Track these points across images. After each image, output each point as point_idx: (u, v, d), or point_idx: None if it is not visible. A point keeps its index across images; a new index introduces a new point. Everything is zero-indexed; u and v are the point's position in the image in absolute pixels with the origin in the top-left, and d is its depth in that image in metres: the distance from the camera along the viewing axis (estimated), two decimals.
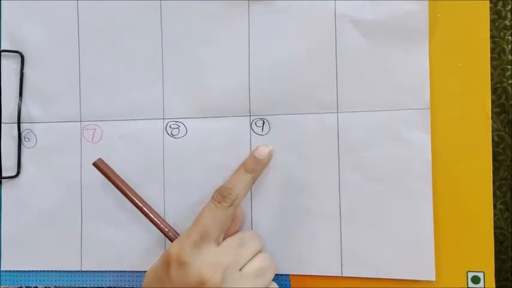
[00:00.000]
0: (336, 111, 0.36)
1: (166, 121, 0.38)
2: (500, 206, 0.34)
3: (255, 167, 0.35)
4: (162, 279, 0.32)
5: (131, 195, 0.36)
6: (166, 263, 0.32)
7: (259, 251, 0.34)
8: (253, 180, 0.35)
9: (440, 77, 0.34)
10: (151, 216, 0.36)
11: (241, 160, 0.36)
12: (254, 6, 0.37)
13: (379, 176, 0.35)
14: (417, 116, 0.34)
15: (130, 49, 0.39)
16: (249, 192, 0.37)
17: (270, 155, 0.36)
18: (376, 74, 0.35)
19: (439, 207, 0.34)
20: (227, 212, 0.33)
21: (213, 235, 0.32)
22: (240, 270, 0.32)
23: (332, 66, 0.36)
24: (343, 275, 0.36)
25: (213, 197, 0.34)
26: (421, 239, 0.34)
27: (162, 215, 0.38)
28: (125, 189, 0.36)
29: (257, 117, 0.37)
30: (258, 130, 0.37)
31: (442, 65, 0.34)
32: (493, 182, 0.34)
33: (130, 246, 0.38)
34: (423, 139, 0.34)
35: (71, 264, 0.39)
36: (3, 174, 0.40)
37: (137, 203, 0.36)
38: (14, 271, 0.40)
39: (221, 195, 0.33)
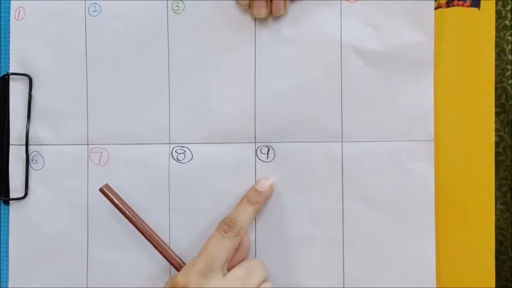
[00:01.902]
0: (340, 140, 0.36)
1: (172, 146, 0.39)
2: (500, 206, 0.35)
3: (257, 199, 0.36)
4: None
5: (137, 222, 0.37)
6: None
7: (264, 280, 0.35)
8: (257, 212, 0.36)
9: (444, 108, 0.35)
10: (157, 243, 0.36)
11: (246, 186, 0.37)
12: (261, 35, 0.37)
13: (382, 205, 0.35)
14: (421, 148, 0.35)
15: (137, 74, 0.39)
16: (253, 221, 0.37)
17: (272, 188, 0.37)
18: (380, 104, 0.36)
19: (441, 238, 0.34)
20: (233, 241, 0.34)
21: (218, 264, 0.33)
22: None
23: (337, 96, 0.36)
24: None
25: (218, 227, 0.34)
26: (423, 270, 0.35)
27: (167, 239, 0.38)
28: (131, 216, 0.37)
29: (262, 144, 0.37)
30: (263, 157, 0.37)
31: (447, 97, 0.35)
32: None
33: (135, 269, 0.39)
34: (427, 170, 0.35)
35: (77, 284, 0.40)
36: (11, 196, 0.40)
37: (143, 230, 0.37)
38: None
39: (227, 225, 0.34)
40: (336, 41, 0.36)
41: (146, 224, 0.37)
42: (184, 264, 0.35)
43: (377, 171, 0.36)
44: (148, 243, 0.37)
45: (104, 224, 0.39)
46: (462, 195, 0.34)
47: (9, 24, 0.40)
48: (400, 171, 0.35)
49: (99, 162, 0.40)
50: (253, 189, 0.36)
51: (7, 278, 0.40)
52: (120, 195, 0.39)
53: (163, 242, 0.37)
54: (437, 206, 0.34)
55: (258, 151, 0.37)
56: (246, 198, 0.36)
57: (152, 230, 0.37)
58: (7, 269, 0.40)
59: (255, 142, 0.38)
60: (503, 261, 0.35)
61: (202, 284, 0.32)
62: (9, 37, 0.40)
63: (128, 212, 0.37)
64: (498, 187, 0.34)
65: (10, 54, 0.41)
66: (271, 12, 0.36)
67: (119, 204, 0.37)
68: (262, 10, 0.36)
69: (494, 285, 0.34)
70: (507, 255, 0.35)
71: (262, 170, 0.37)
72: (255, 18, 0.37)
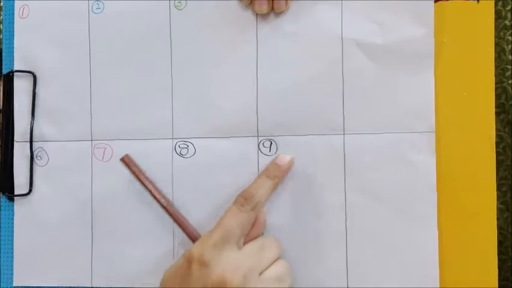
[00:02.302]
0: (342, 133, 0.37)
1: (175, 141, 0.39)
2: (500, 206, 0.35)
3: (276, 174, 0.36)
4: (183, 276, 0.33)
5: (156, 193, 0.37)
6: (188, 262, 0.33)
7: (278, 258, 0.35)
8: (275, 186, 0.36)
9: (445, 100, 0.35)
10: (175, 215, 0.37)
11: (248, 180, 0.37)
12: (262, 30, 0.38)
13: (385, 197, 0.36)
14: (422, 139, 0.35)
15: (140, 70, 0.39)
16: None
17: (291, 163, 0.37)
18: (382, 97, 0.36)
19: (443, 230, 0.35)
20: (249, 215, 0.34)
21: (234, 237, 0.33)
22: (259, 274, 0.33)
23: (339, 89, 0.37)
24: None
25: (236, 200, 0.35)
26: (426, 261, 0.35)
27: (170, 232, 0.39)
28: (151, 187, 0.37)
29: (265, 138, 0.38)
30: (266, 151, 0.38)
31: (448, 89, 0.35)
32: None
33: (139, 263, 0.39)
34: (428, 162, 0.35)
35: (82, 280, 0.40)
36: (16, 192, 0.41)
37: (161, 201, 0.37)
38: (25, 287, 0.41)
39: (244, 198, 0.35)
40: (337, 36, 0.37)
41: (165, 196, 0.37)
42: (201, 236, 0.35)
43: (379, 163, 0.36)
44: (151, 236, 0.37)
45: (107, 219, 0.40)
46: (464, 187, 0.35)
47: (13, 22, 0.41)
48: (402, 163, 0.35)
49: (103, 158, 0.40)
50: (273, 163, 0.36)
51: (11, 274, 0.41)
52: (124, 190, 0.39)
53: (180, 214, 0.37)
54: (439, 198, 0.35)
55: (261, 145, 0.38)
56: (265, 173, 0.36)
57: (170, 202, 0.37)
58: (12, 265, 0.41)
59: (258, 136, 0.38)
60: (503, 260, 0.35)
61: (217, 256, 0.32)
62: (13, 35, 0.41)
63: (147, 183, 0.37)
64: (498, 187, 0.35)
65: (14, 52, 0.41)
66: (272, 8, 0.37)
67: (139, 175, 0.37)
68: (263, 6, 0.37)
69: (497, 275, 0.34)
70: (507, 255, 0.35)
71: (265, 163, 0.38)
72: (257, 14, 0.38)
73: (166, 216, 0.39)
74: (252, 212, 0.34)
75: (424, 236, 0.35)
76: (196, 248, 0.33)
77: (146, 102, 0.39)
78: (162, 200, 0.37)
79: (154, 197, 0.37)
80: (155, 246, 0.39)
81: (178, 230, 0.38)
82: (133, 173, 0.38)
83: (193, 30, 0.39)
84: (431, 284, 0.35)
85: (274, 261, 0.34)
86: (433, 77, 0.35)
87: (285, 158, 0.36)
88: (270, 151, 0.38)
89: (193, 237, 0.37)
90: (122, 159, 0.38)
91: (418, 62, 0.35)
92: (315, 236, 0.37)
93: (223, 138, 0.38)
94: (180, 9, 0.39)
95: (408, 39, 0.35)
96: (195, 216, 0.38)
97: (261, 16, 0.38)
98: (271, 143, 0.38)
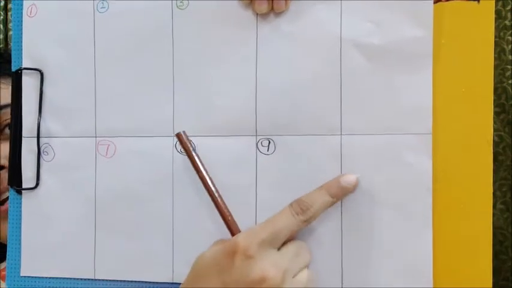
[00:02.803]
0: (339, 133, 0.37)
1: (176, 138, 0.40)
2: (500, 206, 0.35)
3: (337, 192, 0.35)
4: (223, 266, 0.33)
5: (206, 178, 0.36)
6: (231, 252, 0.33)
7: (307, 266, 0.35)
8: (332, 205, 0.35)
9: (443, 102, 0.35)
10: (219, 205, 0.36)
11: (246, 178, 0.38)
12: (262, 30, 0.38)
13: (380, 198, 0.36)
14: (419, 141, 0.35)
15: (143, 69, 0.40)
16: (253, 212, 0.38)
17: (355, 186, 0.35)
18: (379, 98, 0.36)
19: (439, 231, 0.35)
20: (301, 225, 0.35)
21: (280, 241, 0.34)
22: (292, 277, 0.34)
23: (337, 89, 0.37)
24: None
25: (291, 206, 0.35)
26: (420, 262, 0.35)
27: (170, 229, 0.40)
28: (201, 169, 0.36)
29: (263, 137, 0.38)
30: (264, 150, 0.38)
31: (446, 91, 0.35)
32: (493, 182, 0.34)
33: (140, 256, 0.40)
34: (424, 163, 0.35)
35: (85, 272, 0.41)
36: (24, 186, 0.42)
37: (208, 186, 0.36)
38: (32, 277, 0.42)
39: (300, 207, 0.35)
40: (336, 36, 0.37)
41: (213, 182, 0.37)
42: (240, 231, 0.35)
43: (375, 164, 0.36)
44: (152, 230, 0.38)
45: (110, 213, 0.41)
46: (460, 188, 0.35)
47: (22, 21, 0.42)
48: (398, 164, 0.35)
49: (106, 154, 0.41)
50: (337, 181, 0.35)
51: (19, 264, 0.42)
52: (126, 186, 0.40)
53: (225, 204, 0.36)
54: (434, 199, 0.35)
55: (259, 144, 0.38)
56: (327, 188, 0.35)
57: (217, 189, 0.36)
58: (19, 256, 0.42)
59: (256, 135, 0.38)
60: (503, 261, 0.35)
61: (261, 253, 0.33)
62: (22, 34, 0.42)
63: (198, 164, 0.37)
64: (498, 187, 0.34)
65: (23, 51, 0.42)
66: (272, 8, 0.37)
67: (192, 154, 0.37)
68: (263, 6, 0.37)
69: (491, 276, 0.34)
70: (507, 255, 0.35)
71: (263, 162, 0.38)
72: (257, 14, 0.38)
73: (167, 211, 0.40)
74: (304, 223, 0.34)
75: (419, 236, 0.35)
76: (243, 240, 0.33)
77: (148, 100, 0.40)
78: (212, 188, 0.36)
79: (203, 180, 0.36)
80: (155, 241, 0.40)
81: (177, 225, 0.39)
82: (186, 150, 0.37)
83: (195, 30, 0.39)
84: (425, 284, 0.35)
85: (303, 268, 0.35)
86: (431, 79, 0.35)
87: (349, 178, 0.35)
88: (268, 150, 0.38)
89: (233, 229, 0.36)
90: (178, 134, 0.37)
91: (416, 63, 0.35)
92: (311, 236, 0.37)
93: (222, 137, 0.39)
94: (182, 9, 0.39)
95: (407, 40, 0.35)
96: (193, 213, 0.39)
97: (261, 16, 0.38)
98: (269, 142, 0.38)
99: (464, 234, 0.34)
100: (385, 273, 0.36)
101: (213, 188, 0.36)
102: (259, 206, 0.38)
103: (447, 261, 0.35)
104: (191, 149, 0.37)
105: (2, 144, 0.50)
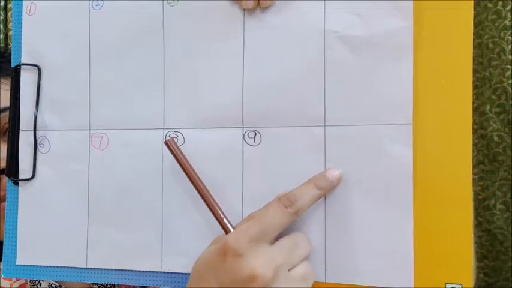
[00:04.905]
0: (323, 124, 0.38)
1: (166, 131, 0.41)
2: (500, 206, 0.35)
3: (323, 185, 0.36)
4: (216, 269, 0.33)
5: (196, 180, 0.37)
6: (222, 253, 0.33)
7: (306, 257, 0.35)
8: (319, 197, 0.36)
9: (424, 93, 0.35)
10: (211, 204, 0.37)
11: (233, 169, 0.39)
12: (249, 23, 0.39)
13: (363, 187, 0.36)
14: (400, 131, 0.36)
15: (135, 64, 0.42)
16: (240, 202, 0.39)
17: (339, 180, 0.36)
18: (361, 89, 0.37)
19: (419, 219, 0.35)
20: (290, 218, 0.35)
21: (270, 236, 0.34)
22: (288, 271, 0.34)
23: (320, 81, 0.38)
24: (327, 281, 0.37)
25: (279, 199, 0.35)
26: (401, 250, 0.35)
27: (159, 220, 0.41)
28: (191, 172, 0.38)
29: (249, 128, 0.39)
30: (250, 141, 0.39)
31: (426, 82, 0.36)
32: (493, 182, 0.34)
33: (131, 247, 0.41)
34: (405, 153, 0.35)
35: (78, 261, 0.42)
36: (21, 177, 0.44)
37: (199, 187, 0.37)
38: (27, 265, 0.43)
39: (289, 200, 0.35)
40: (320, 28, 0.38)
41: (203, 183, 0.37)
42: (234, 227, 0.36)
43: (358, 154, 0.37)
44: (142, 221, 0.39)
45: (102, 204, 0.42)
46: (440, 177, 0.35)
47: (21, 19, 0.44)
48: (380, 153, 0.36)
49: (100, 146, 0.42)
50: (322, 174, 0.36)
51: (15, 253, 0.44)
52: (118, 177, 0.41)
53: (216, 203, 0.37)
54: (415, 188, 0.35)
55: (246, 135, 0.39)
56: (313, 181, 0.36)
57: (208, 190, 0.37)
58: (15, 245, 0.44)
59: (243, 127, 0.39)
60: (503, 260, 0.35)
61: (252, 250, 0.33)
62: (21, 31, 0.44)
63: (188, 169, 0.38)
64: (498, 187, 0.35)
65: (22, 47, 0.44)
66: (258, 4, 0.38)
67: (181, 159, 0.38)
68: (249, 1, 0.38)
69: (471, 265, 0.34)
70: (507, 255, 0.35)
71: (250, 153, 0.39)
72: (244, 9, 0.39)
73: (156, 203, 0.41)
74: (294, 215, 0.35)
75: (400, 226, 0.35)
76: (233, 240, 0.33)
77: (140, 93, 0.41)
78: (200, 186, 0.37)
79: (194, 183, 0.37)
80: (145, 232, 0.41)
81: (167, 216, 0.40)
82: (176, 157, 0.38)
83: (185, 26, 0.41)
84: (406, 275, 0.35)
85: (302, 260, 0.35)
86: (412, 70, 0.36)
87: (334, 172, 0.36)
88: (254, 142, 0.39)
89: (226, 229, 0.36)
90: (166, 142, 0.38)
91: (398, 54, 0.36)
92: (295, 225, 0.38)
93: (210, 129, 0.40)
94: (173, 6, 0.41)
95: (388, 32, 0.36)
96: (183, 204, 0.40)
97: (248, 11, 0.39)
98: (255, 134, 0.39)
99: (445, 223, 0.35)
100: (366, 267, 0.36)
101: (205, 191, 0.37)
102: (245, 196, 0.39)
103: (428, 249, 0.35)
104: (181, 156, 0.38)
105: (2, 146, 0.50)
